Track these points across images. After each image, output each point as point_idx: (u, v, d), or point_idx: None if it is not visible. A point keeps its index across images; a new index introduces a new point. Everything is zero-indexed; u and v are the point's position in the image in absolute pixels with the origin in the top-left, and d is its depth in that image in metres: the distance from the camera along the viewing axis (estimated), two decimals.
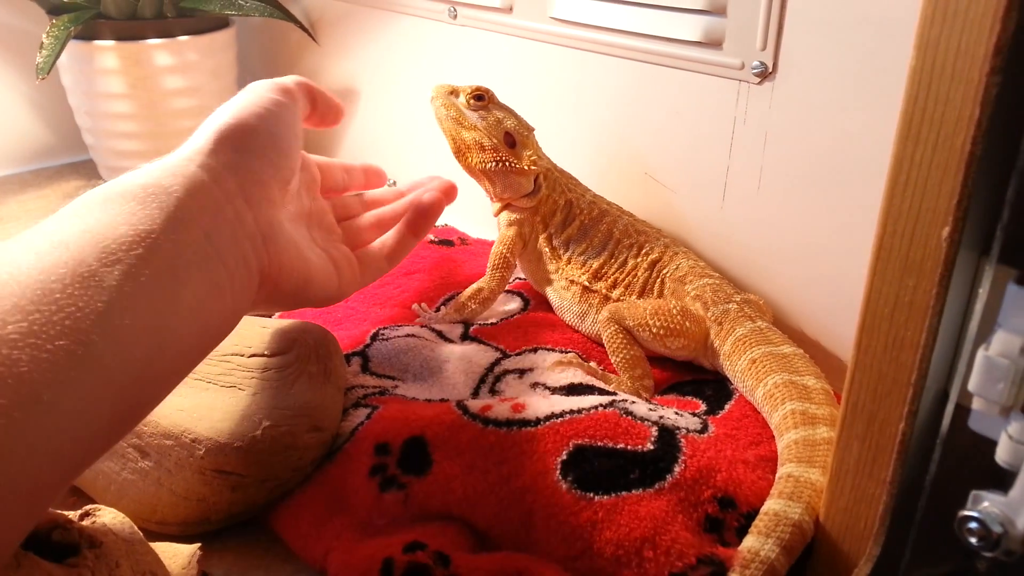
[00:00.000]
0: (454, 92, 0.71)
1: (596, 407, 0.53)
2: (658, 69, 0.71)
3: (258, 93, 0.49)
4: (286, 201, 0.50)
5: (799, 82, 0.62)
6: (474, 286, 0.72)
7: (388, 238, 0.62)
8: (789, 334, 0.62)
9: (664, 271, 0.68)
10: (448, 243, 0.89)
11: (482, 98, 0.70)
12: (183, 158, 0.42)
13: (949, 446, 0.39)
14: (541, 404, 0.54)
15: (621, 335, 0.63)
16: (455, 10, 0.89)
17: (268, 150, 0.46)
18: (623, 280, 0.68)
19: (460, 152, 0.71)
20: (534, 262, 0.74)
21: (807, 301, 0.67)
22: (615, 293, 0.68)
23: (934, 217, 0.36)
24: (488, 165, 0.69)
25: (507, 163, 0.69)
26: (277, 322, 0.61)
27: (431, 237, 0.88)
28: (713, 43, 0.66)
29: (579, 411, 0.53)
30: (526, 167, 0.69)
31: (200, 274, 0.39)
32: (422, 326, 0.72)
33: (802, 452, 0.50)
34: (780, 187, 0.66)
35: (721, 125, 0.68)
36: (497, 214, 0.75)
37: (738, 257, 0.71)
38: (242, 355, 0.57)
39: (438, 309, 0.75)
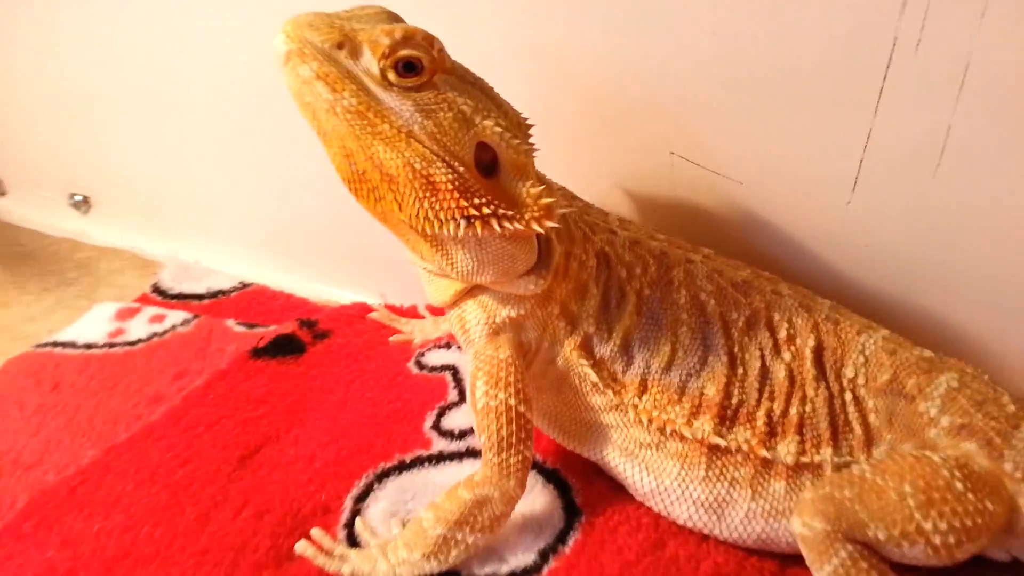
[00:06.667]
0: (345, 43, 0.30)
1: None
2: None
3: None
4: None
5: None
6: (464, 492, 0.34)
7: None
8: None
9: (844, 371, 0.33)
10: (290, 346, 0.46)
11: (414, 67, 0.29)
12: None
13: None
14: None
15: (864, 563, 0.29)
16: None
17: None
18: (780, 412, 0.33)
19: (364, 184, 0.32)
20: (558, 394, 0.36)
21: None
22: (784, 449, 0.32)
23: None
24: (449, 226, 0.29)
25: (491, 217, 0.30)
26: None
27: (240, 328, 0.46)
28: None
29: None
30: (528, 222, 0.30)
31: None
32: None
33: None
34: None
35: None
36: (451, 306, 0.35)
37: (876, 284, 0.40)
38: None
39: (351, 527, 0.35)
